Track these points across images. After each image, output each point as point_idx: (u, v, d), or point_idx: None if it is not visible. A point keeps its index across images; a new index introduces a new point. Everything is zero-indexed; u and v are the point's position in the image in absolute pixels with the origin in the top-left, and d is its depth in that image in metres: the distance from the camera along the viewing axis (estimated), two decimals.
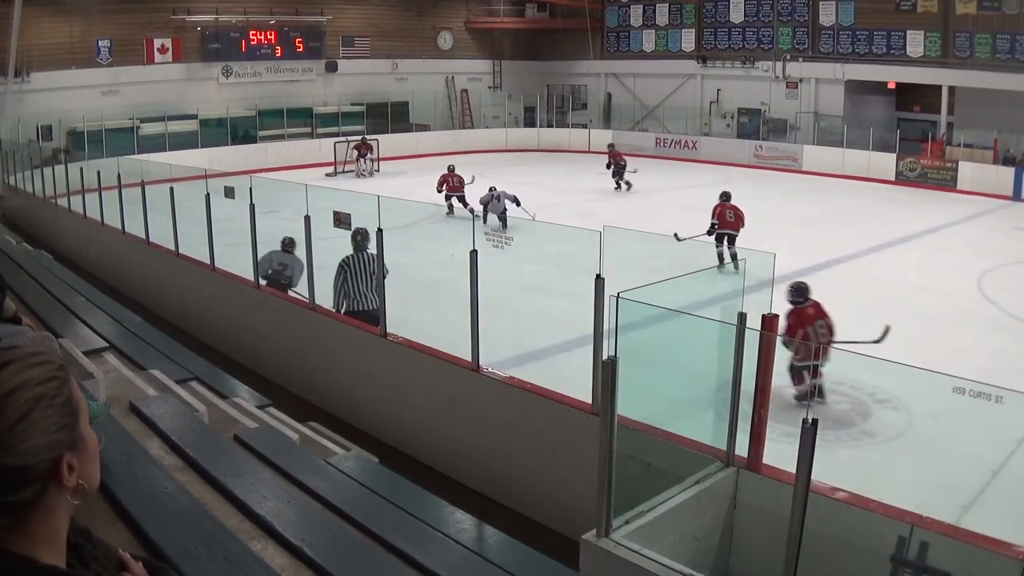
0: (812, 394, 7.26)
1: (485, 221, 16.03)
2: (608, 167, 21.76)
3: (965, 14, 22.89)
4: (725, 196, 13.76)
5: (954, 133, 23.21)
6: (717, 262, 12.77)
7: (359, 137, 25.84)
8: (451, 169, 18.62)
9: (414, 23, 31.38)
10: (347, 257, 8.25)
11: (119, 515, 3.23)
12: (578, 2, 31.19)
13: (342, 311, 8.28)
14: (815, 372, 7.41)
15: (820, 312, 7.78)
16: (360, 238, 8.17)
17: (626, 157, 22.18)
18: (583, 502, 4.77)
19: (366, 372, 7.74)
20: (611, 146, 23.17)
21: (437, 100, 31.78)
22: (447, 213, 17.84)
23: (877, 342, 7.19)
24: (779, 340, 6.38)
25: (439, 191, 18.11)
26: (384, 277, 7.65)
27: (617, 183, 21.63)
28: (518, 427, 6.25)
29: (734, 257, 12.81)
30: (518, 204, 16.24)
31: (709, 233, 13.25)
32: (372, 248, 7.89)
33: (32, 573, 1.13)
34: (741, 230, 13.26)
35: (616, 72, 32.19)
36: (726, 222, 13.35)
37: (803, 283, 7.90)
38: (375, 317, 7.62)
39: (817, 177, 24.41)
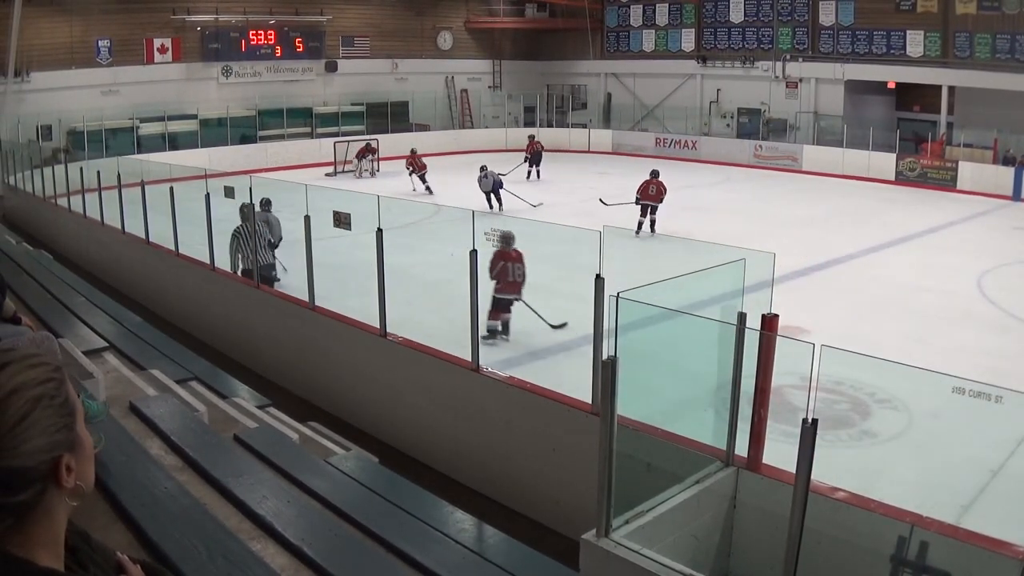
0: (499, 331, 9.31)
1: (491, 206, 17.06)
2: (526, 160, 23.37)
3: (965, 14, 22.89)
4: (654, 173, 15.98)
5: (954, 133, 23.21)
6: (636, 229, 15.27)
7: (364, 141, 25.80)
8: (414, 152, 21.65)
9: (414, 23, 31.38)
10: (237, 227, 9.97)
11: (119, 515, 3.23)
12: (578, 2, 31.18)
13: (238, 271, 10.08)
14: (508, 307, 9.39)
15: (520, 259, 9.46)
16: (247, 210, 9.90)
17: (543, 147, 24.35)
18: (583, 502, 4.77)
19: (366, 372, 7.74)
20: (532, 137, 24.70)
21: (437, 100, 31.78)
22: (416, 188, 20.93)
23: (554, 327, 8.56)
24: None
25: (408, 172, 21.21)
26: (277, 244, 10.58)
27: (529, 172, 23.24)
28: (518, 427, 6.25)
29: (652, 224, 15.46)
30: (501, 186, 18.21)
31: (636, 203, 15.68)
32: (262, 214, 10.25)
33: (30, 575, 1.13)
34: (662, 202, 15.60)
35: (616, 72, 32.18)
36: (647, 195, 15.60)
37: (510, 232, 9.37)
38: (265, 272, 9.82)
39: (817, 177, 24.42)
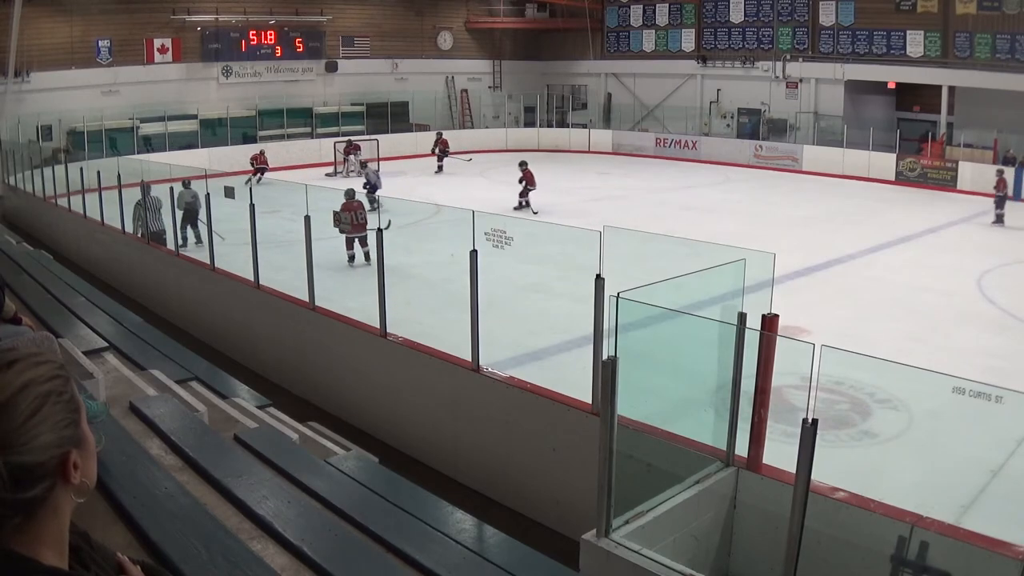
0: (355, 258, 12.28)
1: (373, 204, 17.29)
2: (433, 151, 25.68)
3: (965, 14, 22.89)
4: (523, 164, 18.80)
5: (954, 133, 23.20)
6: (534, 211, 18.17)
7: (346, 140, 25.86)
8: (261, 152, 23.05)
9: (414, 23, 31.37)
10: (139, 200, 12.08)
11: (119, 515, 3.22)
12: (578, 2, 31.17)
13: (140, 234, 12.16)
14: (363, 242, 12.09)
15: (359, 207, 12.33)
16: (148, 189, 12.16)
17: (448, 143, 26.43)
18: (583, 502, 4.77)
19: (366, 372, 7.74)
20: (439, 134, 26.78)
21: (437, 100, 31.77)
22: (246, 182, 21.97)
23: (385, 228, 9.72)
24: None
25: (252, 166, 22.04)
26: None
27: (439, 167, 25.39)
28: (518, 427, 6.25)
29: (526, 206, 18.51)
30: (376, 188, 18.88)
31: (529, 192, 18.51)
32: (153, 193, 12.25)
33: (35, 574, 1.13)
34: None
35: (616, 72, 32.18)
36: (534, 182, 18.64)
37: (352, 189, 12.41)
38: (159, 234, 12.03)
39: (817, 177, 24.41)
